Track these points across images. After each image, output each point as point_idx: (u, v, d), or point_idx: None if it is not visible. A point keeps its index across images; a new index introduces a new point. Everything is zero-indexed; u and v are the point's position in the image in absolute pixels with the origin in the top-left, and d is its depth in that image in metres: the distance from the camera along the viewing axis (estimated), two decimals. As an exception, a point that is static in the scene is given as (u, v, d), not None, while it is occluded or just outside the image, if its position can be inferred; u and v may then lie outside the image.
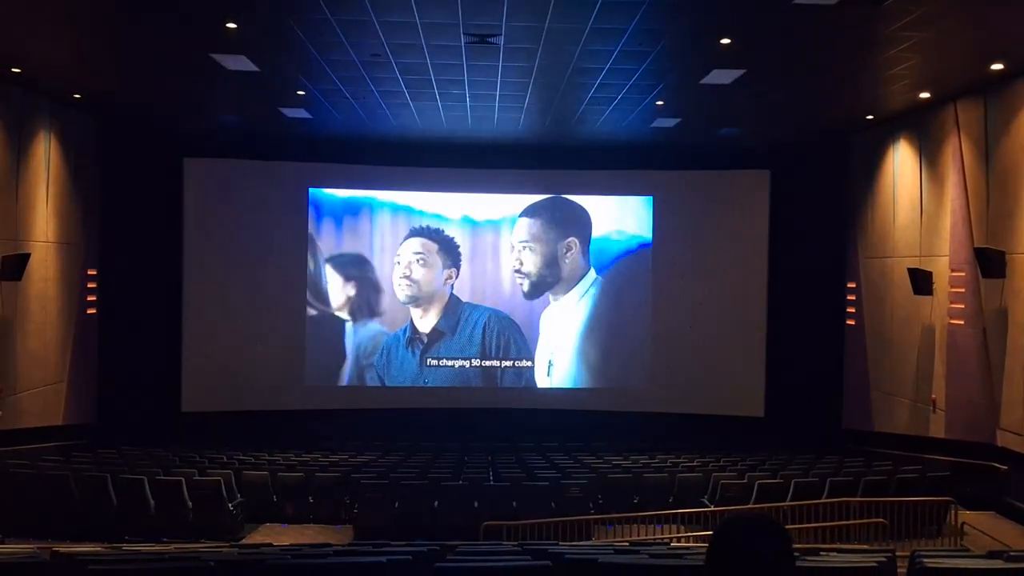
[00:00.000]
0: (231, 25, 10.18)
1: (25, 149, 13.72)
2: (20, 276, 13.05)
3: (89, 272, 15.85)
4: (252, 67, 11.91)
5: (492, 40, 10.54)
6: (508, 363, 18.38)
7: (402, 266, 18.17)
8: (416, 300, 18.23)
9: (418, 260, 18.20)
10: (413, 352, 18.22)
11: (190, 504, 10.90)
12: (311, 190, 18.08)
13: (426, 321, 18.25)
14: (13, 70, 12.52)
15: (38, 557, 6.73)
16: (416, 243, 18.22)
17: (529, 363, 18.39)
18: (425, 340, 18.23)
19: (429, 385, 18.22)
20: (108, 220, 16.40)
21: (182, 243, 17.40)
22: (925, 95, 13.10)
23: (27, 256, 13.21)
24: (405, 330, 18.21)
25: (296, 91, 13.51)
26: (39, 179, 14.12)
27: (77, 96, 14.25)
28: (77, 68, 12.98)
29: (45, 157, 14.28)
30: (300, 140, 17.12)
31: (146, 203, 17.05)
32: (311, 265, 18.04)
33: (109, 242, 16.42)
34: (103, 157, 16.19)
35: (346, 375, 18.16)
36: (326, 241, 18.12)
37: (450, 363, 18.29)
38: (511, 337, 18.39)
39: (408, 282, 18.18)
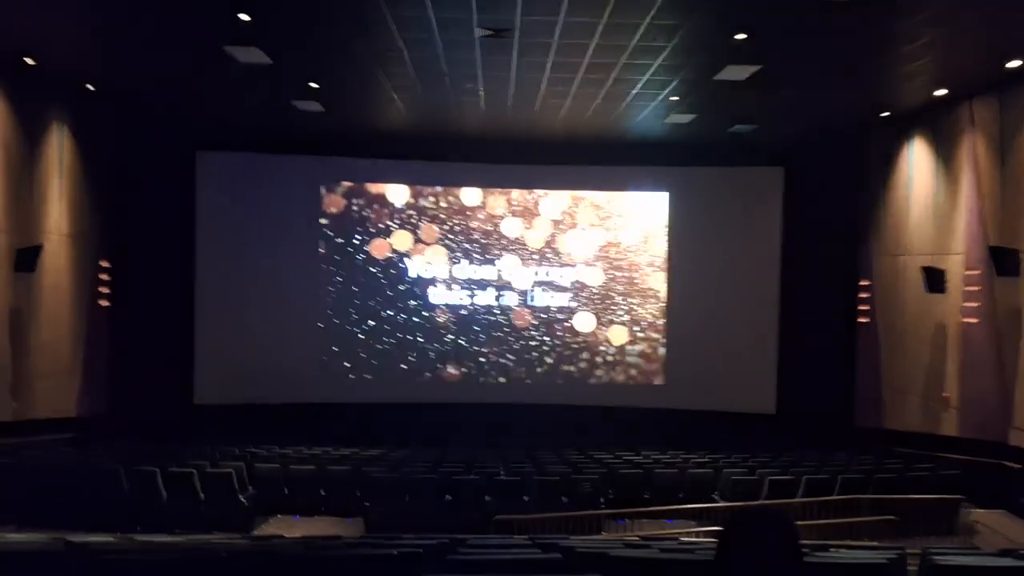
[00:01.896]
0: (244, 17, 10.20)
1: (39, 141, 13.79)
2: (33, 267, 13.13)
3: (102, 264, 15.92)
4: (265, 60, 11.93)
5: (506, 35, 10.53)
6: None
7: (414, 261, 18.19)
8: (430, 295, 18.28)
9: (432, 254, 18.22)
10: (426, 346, 18.27)
11: (202, 496, 10.95)
12: (324, 183, 18.11)
13: (439, 315, 18.28)
14: (27, 61, 12.57)
15: (51, 547, 6.77)
16: (430, 236, 18.23)
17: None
18: (439, 334, 18.28)
19: (442, 380, 18.28)
20: (121, 212, 16.46)
21: (195, 235, 17.46)
22: (941, 92, 13.03)
23: (40, 248, 13.28)
24: (419, 323, 18.27)
25: (309, 84, 13.54)
26: (52, 171, 14.18)
27: (91, 87, 14.31)
28: (91, 60, 13.03)
29: (59, 149, 14.35)
30: (313, 133, 17.11)
31: (159, 195, 17.12)
32: (325, 257, 18.07)
33: (122, 234, 16.48)
34: (116, 149, 16.23)
35: (359, 369, 18.19)
36: (339, 234, 18.13)
37: (464, 359, 18.36)
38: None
39: (423, 276, 18.24)
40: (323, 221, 18.05)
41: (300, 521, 11.65)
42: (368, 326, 18.18)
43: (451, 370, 18.33)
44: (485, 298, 18.32)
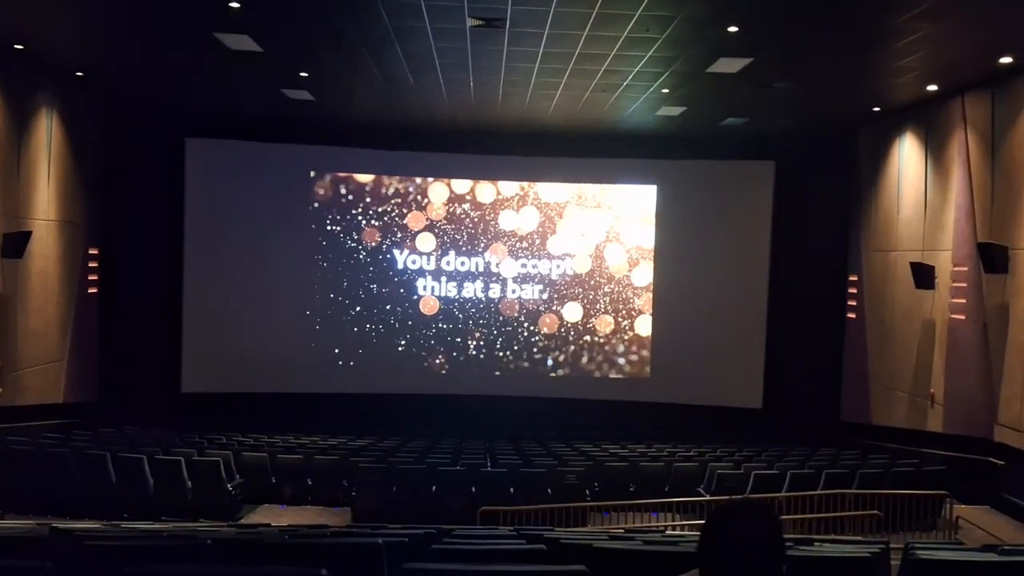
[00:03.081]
0: (234, 4, 10.15)
1: (27, 127, 13.71)
2: (21, 254, 13.06)
3: (90, 251, 15.85)
4: (255, 47, 11.87)
5: (497, 24, 10.50)
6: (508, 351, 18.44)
7: (403, 250, 18.17)
8: (418, 285, 18.26)
9: (420, 243, 18.19)
10: (414, 336, 18.26)
11: (189, 484, 10.93)
12: (313, 171, 18.06)
13: (428, 305, 18.27)
14: (16, 47, 12.49)
15: (36, 532, 6.75)
16: (417, 225, 18.20)
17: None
18: (427, 324, 18.26)
19: (430, 370, 18.27)
20: (110, 199, 16.39)
21: (183, 222, 17.39)
22: (932, 88, 13.04)
23: (28, 234, 13.21)
24: (407, 313, 18.25)
25: (299, 72, 13.47)
26: (41, 157, 14.11)
27: (80, 74, 14.22)
28: (80, 46, 12.94)
29: (47, 135, 14.27)
30: (303, 122, 17.05)
31: (148, 182, 17.06)
32: (313, 246, 18.02)
33: (111, 221, 16.42)
34: (105, 135, 16.16)
35: (347, 358, 18.16)
36: (328, 223, 18.08)
37: (452, 350, 18.34)
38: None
39: (411, 266, 18.21)
40: (312, 208, 18.00)
41: (287, 510, 11.67)
42: (356, 315, 18.14)
43: (439, 360, 18.33)
44: (473, 288, 18.30)
